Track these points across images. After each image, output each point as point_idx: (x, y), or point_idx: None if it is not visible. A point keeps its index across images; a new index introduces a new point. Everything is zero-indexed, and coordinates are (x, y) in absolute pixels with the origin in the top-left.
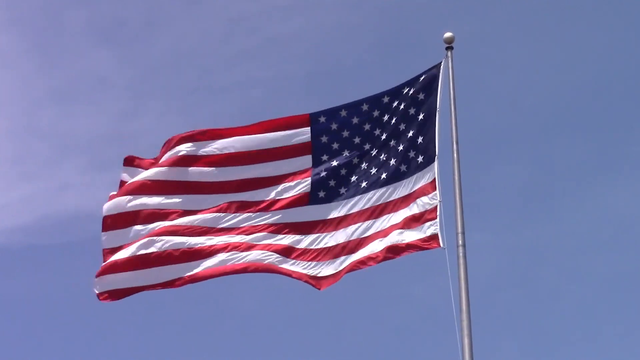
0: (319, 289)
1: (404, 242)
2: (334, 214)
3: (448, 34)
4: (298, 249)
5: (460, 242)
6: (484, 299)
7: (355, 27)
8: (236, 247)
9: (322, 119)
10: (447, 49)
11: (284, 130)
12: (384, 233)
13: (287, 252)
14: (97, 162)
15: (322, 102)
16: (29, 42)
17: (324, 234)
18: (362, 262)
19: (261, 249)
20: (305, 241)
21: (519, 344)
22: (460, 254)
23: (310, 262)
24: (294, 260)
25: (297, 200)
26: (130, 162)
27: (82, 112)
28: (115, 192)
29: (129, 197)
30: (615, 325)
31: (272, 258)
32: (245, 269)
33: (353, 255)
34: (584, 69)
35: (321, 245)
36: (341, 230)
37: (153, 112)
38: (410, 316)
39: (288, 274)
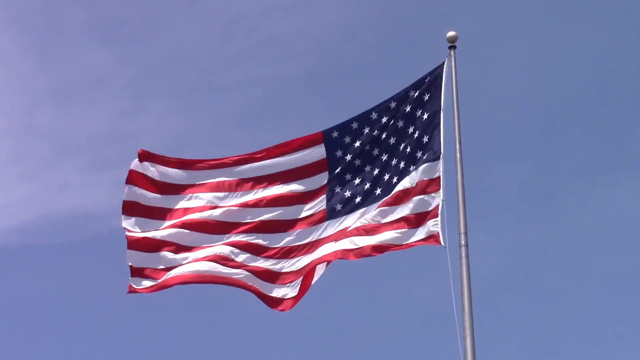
0: (284, 310)
1: (402, 242)
2: (344, 225)
3: (451, 33)
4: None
5: (462, 242)
6: (486, 300)
7: (356, 26)
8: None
9: (335, 134)
10: (450, 48)
11: (299, 150)
12: (372, 230)
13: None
14: (97, 162)
15: (323, 101)
16: (28, 41)
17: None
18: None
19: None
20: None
21: (521, 345)
22: (463, 254)
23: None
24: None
25: (315, 220)
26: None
27: (82, 112)
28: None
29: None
30: (618, 326)
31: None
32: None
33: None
34: (586, 68)
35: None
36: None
37: (153, 112)
38: (411, 317)
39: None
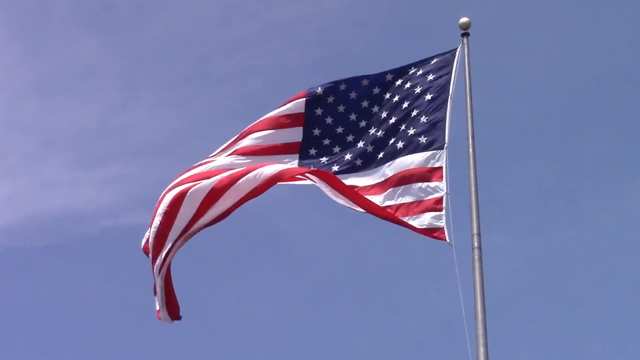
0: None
1: (404, 218)
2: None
3: (464, 19)
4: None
5: (475, 244)
6: (501, 306)
7: (364, 11)
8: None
9: (319, 91)
10: (462, 35)
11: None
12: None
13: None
14: (85, 158)
15: None
16: (11, 29)
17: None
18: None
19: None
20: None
21: (538, 355)
22: (476, 257)
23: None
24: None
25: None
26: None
27: (68, 105)
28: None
29: None
30: None
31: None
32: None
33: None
34: (611, 56)
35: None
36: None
37: (145, 104)
38: (423, 323)
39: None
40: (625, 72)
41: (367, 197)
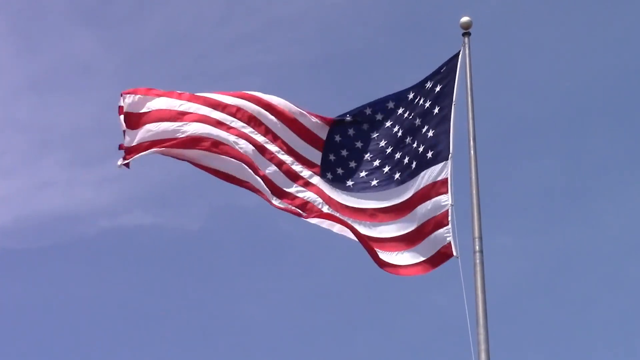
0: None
1: (407, 263)
2: (341, 200)
3: (465, 19)
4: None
5: (477, 247)
6: (505, 309)
7: (365, 8)
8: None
9: (348, 118)
10: (463, 35)
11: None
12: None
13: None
14: (81, 157)
15: (330, 90)
16: (5, 25)
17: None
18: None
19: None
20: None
21: None
22: (477, 261)
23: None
24: None
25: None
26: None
27: (65, 102)
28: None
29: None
30: None
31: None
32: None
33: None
34: (617, 53)
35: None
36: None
37: None
38: (426, 327)
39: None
40: (632, 69)
41: (382, 224)
